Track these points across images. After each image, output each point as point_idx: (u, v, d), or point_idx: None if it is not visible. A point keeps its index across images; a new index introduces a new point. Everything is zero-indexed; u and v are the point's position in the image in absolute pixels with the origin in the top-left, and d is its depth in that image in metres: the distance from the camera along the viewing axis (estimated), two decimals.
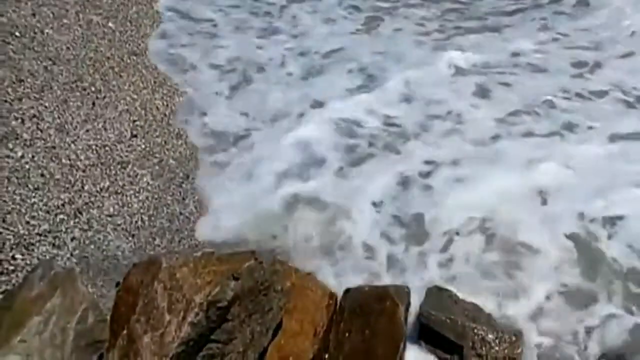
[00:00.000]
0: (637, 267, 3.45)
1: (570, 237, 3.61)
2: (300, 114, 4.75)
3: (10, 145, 3.82)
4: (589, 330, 3.17)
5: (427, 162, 4.22)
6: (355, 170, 4.17)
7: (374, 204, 3.88)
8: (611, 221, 3.69)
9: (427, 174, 4.12)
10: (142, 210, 3.83)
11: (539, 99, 4.90)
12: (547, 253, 3.53)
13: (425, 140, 4.47)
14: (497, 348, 2.88)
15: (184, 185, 4.11)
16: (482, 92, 5.04)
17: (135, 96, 4.64)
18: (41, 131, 4.01)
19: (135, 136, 4.29)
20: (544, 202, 3.88)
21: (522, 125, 4.63)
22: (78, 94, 4.43)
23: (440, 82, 5.14)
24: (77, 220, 3.60)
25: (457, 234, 3.65)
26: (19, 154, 3.80)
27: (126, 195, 3.86)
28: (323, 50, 5.59)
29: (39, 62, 4.51)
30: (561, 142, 4.44)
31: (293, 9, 6.34)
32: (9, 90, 4.17)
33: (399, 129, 4.58)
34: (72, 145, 4.02)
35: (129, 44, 5.19)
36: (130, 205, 3.81)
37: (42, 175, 3.74)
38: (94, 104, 4.41)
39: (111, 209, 3.74)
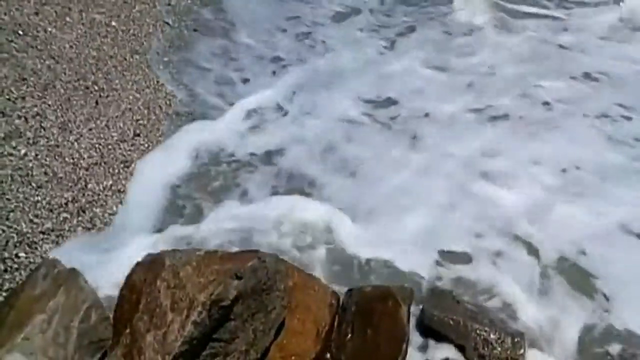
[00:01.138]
0: None
1: None
2: None
3: (14, 144, 3.83)
4: None
5: None
6: None
7: None
8: None
9: None
10: None
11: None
12: None
13: None
14: (499, 349, 2.88)
15: None
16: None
17: (138, 95, 4.64)
18: (44, 129, 4.02)
19: (138, 135, 4.29)
20: None
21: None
22: (81, 92, 4.44)
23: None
24: (80, 218, 3.60)
25: None
26: (22, 152, 3.81)
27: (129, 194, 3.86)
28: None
29: (42, 61, 4.52)
30: None
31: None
32: (12, 88, 4.17)
33: None
34: (75, 144, 4.03)
35: (132, 43, 5.19)
36: None
37: (45, 173, 3.75)
38: (97, 102, 4.41)
39: (114, 208, 3.75)
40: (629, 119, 4.80)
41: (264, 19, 6.14)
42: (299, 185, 4.12)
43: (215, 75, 5.22)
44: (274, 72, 5.36)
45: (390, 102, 4.99)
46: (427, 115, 4.83)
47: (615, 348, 3.12)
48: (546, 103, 4.98)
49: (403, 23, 6.19)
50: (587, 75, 5.34)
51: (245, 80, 5.23)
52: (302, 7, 6.40)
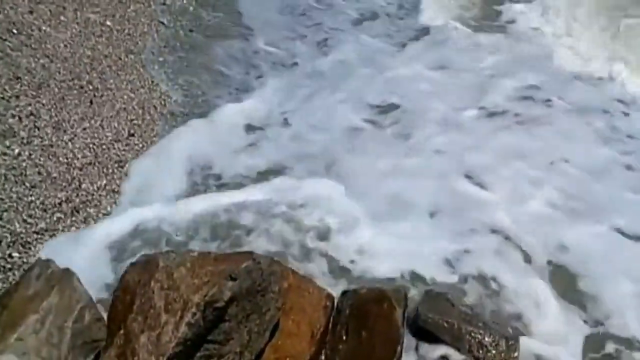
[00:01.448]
0: None
1: None
2: None
3: (7, 143, 3.81)
4: None
5: None
6: None
7: None
8: None
9: None
10: None
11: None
12: None
13: None
14: (493, 351, 2.89)
15: None
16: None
17: (132, 95, 4.63)
18: (38, 129, 4.00)
19: (133, 135, 4.28)
20: None
21: None
22: (75, 92, 4.42)
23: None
24: (74, 218, 3.59)
25: None
26: (16, 151, 3.79)
27: (123, 194, 3.85)
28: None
29: (36, 60, 4.50)
30: None
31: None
32: (6, 87, 4.15)
33: None
34: (69, 144, 4.01)
35: (127, 43, 5.17)
36: None
37: (39, 173, 3.73)
38: (91, 102, 4.40)
39: (108, 208, 3.73)
40: (626, 114, 4.84)
41: (264, 18, 6.14)
42: None
43: (213, 76, 5.20)
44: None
45: (394, 106, 4.96)
46: (427, 118, 4.82)
47: (610, 347, 3.14)
48: (548, 101, 5.02)
49: (418, 26, 6.18)
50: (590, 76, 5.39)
51: (245, 83, 5.20)
52: (322, 14, 6.39)
